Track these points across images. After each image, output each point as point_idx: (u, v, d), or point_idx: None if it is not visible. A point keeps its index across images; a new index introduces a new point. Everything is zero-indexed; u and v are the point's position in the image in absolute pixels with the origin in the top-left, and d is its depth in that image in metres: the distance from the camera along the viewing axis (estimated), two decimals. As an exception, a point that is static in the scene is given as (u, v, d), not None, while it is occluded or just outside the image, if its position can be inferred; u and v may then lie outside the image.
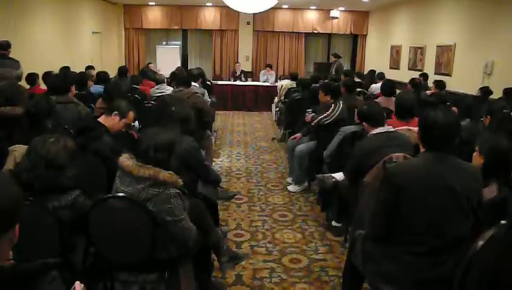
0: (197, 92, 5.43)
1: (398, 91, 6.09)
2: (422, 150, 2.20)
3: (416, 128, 3.28)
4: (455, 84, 7.87)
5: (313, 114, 5.03)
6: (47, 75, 6.13)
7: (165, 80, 7.04)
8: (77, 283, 1.40)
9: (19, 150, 2.67)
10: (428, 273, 2.05)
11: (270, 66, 12.27)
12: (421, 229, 2.05)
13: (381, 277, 2.20)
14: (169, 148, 2.41)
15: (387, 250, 2.16)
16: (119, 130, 3.43)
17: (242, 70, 12.18)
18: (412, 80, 6.96)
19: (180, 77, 5.24)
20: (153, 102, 5.72)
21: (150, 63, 10.91)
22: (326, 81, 7.17)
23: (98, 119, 3.36)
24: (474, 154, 2.51)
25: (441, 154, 2.08)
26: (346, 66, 13.56)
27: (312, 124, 4.95)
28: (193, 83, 5.62)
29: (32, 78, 6.02)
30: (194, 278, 2.77)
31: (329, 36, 14.15)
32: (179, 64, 11.89)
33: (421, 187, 2.03)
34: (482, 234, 1.72)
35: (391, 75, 9.93)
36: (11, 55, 5.92)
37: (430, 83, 7.80)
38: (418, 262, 2.07)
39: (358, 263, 2.43)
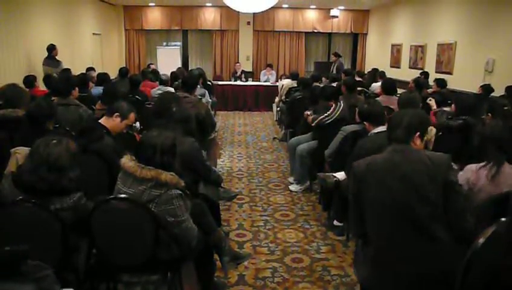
0: (200, 98, 5.41)
1: (399, 90, 6.10)
2: None
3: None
4: (456, 82, 7.87)
5: (314, 115, 5.02)
6: (48, 77, 6.14)
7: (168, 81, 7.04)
8: None
9: (21, 152, 2.67)
10: (407, 268, 2.04)
11: (271, 66, 12.28)
12: (383, 221, 2.08)
13: (366, 280, 2.25)
14: (173, 149, 2.42)
15: (367, 252, 2.20)
16: (121, 131, 3.43)
17: (242, 70, 12.18)
18: (416, 79, 6.98)
19: (186, 82, 5.17)
20: (154, 103, 5.72)
21: (151, 64, 10.91)
22: (325, 83, 7.18)
23: (99, 121, 3.37)
24: None
25: (400, 146, 2.13)
26: (347, 65, 13.56)
27: (313, 124, 4.95)
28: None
29: (29, 80, 6.02)
30: (196, 278, 2.78)
31: (329, 35, 14.16)
32: (179, 64, 11.89)
33: (377, 177, 2.08)
34: (482, 231, 1.71)
35: (392, 73, 9.94)
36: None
37: (431, 82, 7.80)
38: (387, 258, 2.08)
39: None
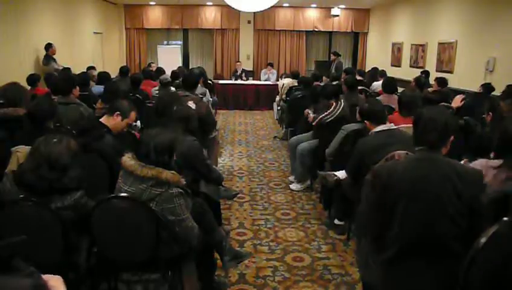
0: (201, 97, 5.38)
1: (399, 89, 6.09)
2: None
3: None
4: (457, 81, 7.85)
5: (314, 115, 5.02)
6: (49, 76, 6.15)
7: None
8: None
9: (22, 151, 2.68)
10: (412, 281, 1.99)
11: (271, 65, 12.26)
12: (401, 232, 1.96)
13: (375, 283, 2.19)
14: (170, 149, 2.42)
15: (380, 255, 2.10)
16: (121, 130, 3.43)
17: (243, 69, 12.17)
18: (417, 78, 6.97)
19: (186, 81, 5.14)
20: (154, 102, 5.71)
21: (152, 62, 10.89)
22: (326, 82, 7.16)
23: (100, 120, 3.37)
24: None
25: (429, 155, 1.98)
26: (348, 64, 13.56)
27: (313, 123, 4.95)
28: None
29: (33, 79, 6.04)
30: (197, 277, 2.78)
31: (330, 34, 14.14)
32: (180, 64, 11.90)
33: (402, 188, 1.94)
34: (484, 231, 1.71)
35: (393, 72, 9.92)
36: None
37: (431, 81, 7.79)
38: (404, 269, 2.00)
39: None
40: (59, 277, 1.31)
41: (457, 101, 4.37)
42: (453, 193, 1.89)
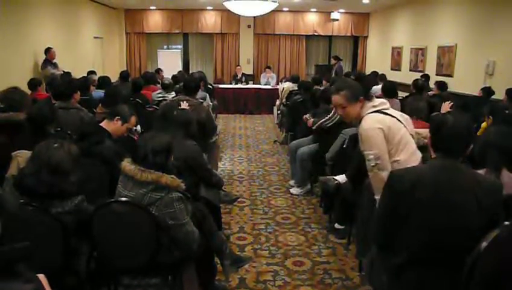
0: (202, 101, 5.38)
1: (399, 92, 6.11)
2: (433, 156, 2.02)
3: (420, 130, 3.28)
4: (457, 85, 7.87)
5: (314, 119, 5.03)
6: (51, 81, 6.16)
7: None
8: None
9: (22, 156, 2.68)
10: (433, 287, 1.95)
11: (270, 68, 12.24)
12: (416, 240, 1.91)
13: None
14: (167, 150, 2.42)
15: (387, 261, 2.05)
16: (121, 135, 3.43)
17: (243, 74, 12.19)
18: (415, 81, 6.96)
19: (187, 85, 5.13)
20: (155, 106, 5.73)
21: (160, 69, 10.71)
22: (326, 86, 7.18)
23: (100, 124, 3.37)
24: None
25: (451, 163, 1.90)
26: (348, 68, 13.60)
27: (313, 128, 4.95)
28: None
29: (34, 83, 6.06)
30: (197, 281, 2.77)
31: (330, 38, 14.18)
32: (180, 68, 11.92)
33: (422, 194, 1.87)
34: (486, 235, 1.71)
35: (392, 76, 9.95)
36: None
37: (431, 84, 7.80)
38: (413, 277, 1.95)
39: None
40: (42, 275, 1.32)
41: (446, 108, 4.38)
42: (474, 202, 1.83)
